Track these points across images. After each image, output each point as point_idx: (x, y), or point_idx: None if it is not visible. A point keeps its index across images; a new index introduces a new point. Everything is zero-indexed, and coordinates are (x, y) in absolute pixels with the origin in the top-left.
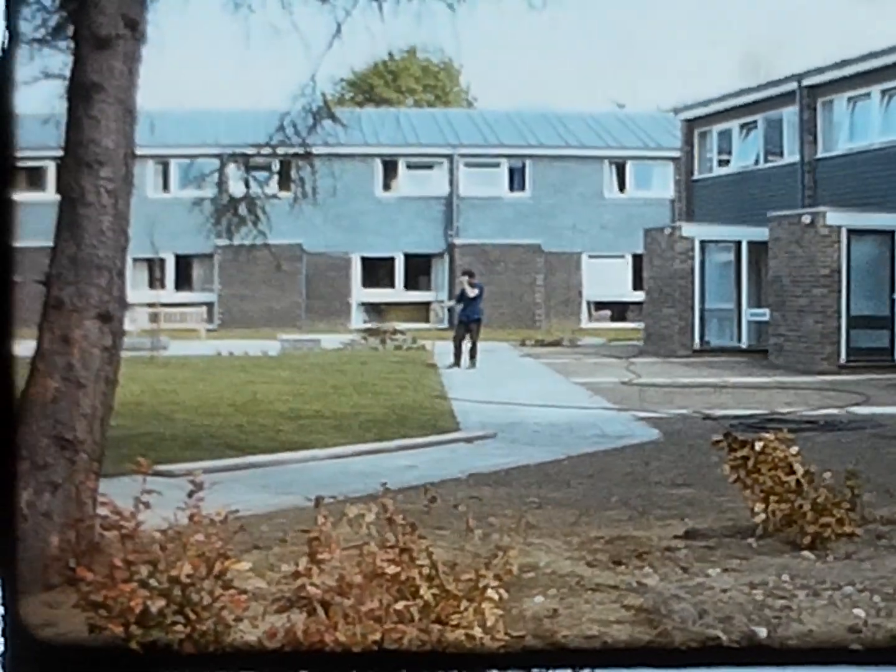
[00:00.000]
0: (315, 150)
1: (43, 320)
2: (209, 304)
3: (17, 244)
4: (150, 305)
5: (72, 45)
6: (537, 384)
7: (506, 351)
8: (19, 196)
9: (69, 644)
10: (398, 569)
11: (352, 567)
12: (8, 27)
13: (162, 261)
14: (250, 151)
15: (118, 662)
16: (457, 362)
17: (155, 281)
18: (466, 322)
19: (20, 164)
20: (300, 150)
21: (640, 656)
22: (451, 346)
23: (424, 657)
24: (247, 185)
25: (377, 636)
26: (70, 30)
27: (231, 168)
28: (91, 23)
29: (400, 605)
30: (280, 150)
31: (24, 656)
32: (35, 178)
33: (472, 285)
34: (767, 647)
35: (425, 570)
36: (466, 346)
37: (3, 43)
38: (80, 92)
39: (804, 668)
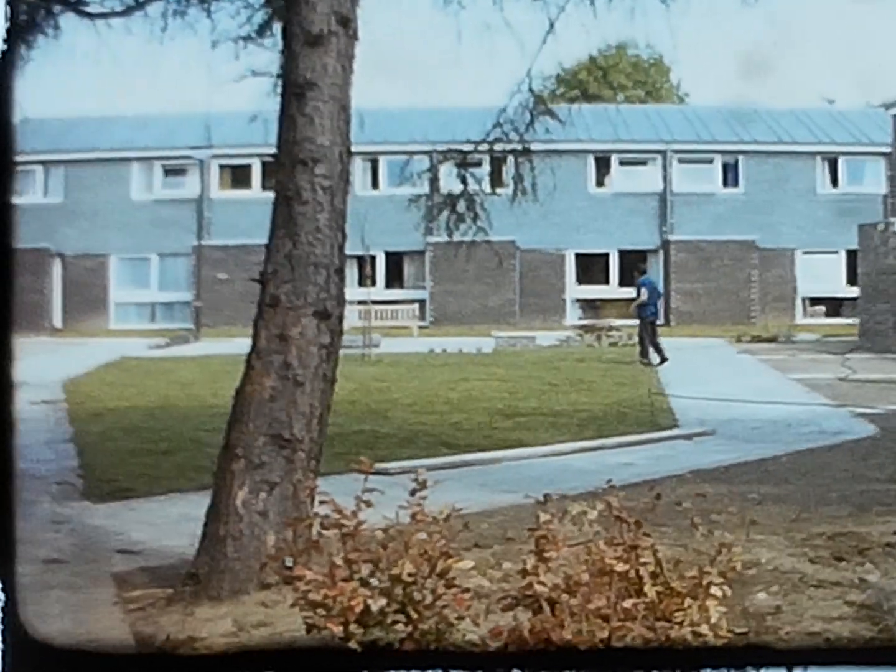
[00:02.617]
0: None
1: (259, 318)
2: (421, 302)
3: (220, 242)
4: (361, 303)
5: (279, 42)
6: (755, 380)
7: (722, 347)
8: (227, 194)
9: (69, 645)
10: (626, 566)
11: (577, 565)
12: (8, 27)
13: (372, 258)
14: (467, 148)
15: (118, 663)
16: (662, 358)
17: (365, 278)
18: (649, 318)
19: (226, 162)
20: (518, 147)
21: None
22: (666, 342)
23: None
24: (464, 182)
25: (604, 634)
26: (276, 27)
27: (444, 165)
28: (302, 20)
29: (628, 603)
30: (497, 147)
31: (24, 657)
32: (241, 176)
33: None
34: None
35: (650, 568)
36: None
37: (3, 42)
38: (293, 90)
39: None
